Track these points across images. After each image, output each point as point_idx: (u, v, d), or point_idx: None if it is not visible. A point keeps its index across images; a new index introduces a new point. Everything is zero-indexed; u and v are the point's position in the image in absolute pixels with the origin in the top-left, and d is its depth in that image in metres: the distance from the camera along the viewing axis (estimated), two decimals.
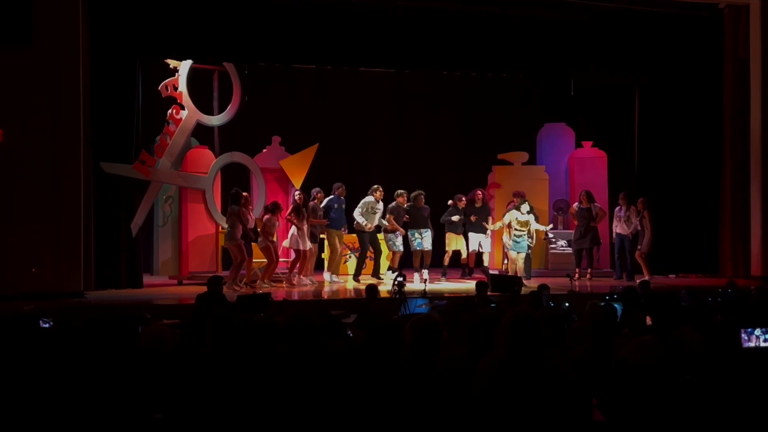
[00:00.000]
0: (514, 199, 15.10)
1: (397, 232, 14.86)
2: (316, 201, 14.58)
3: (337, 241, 14.92)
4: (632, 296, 10.02)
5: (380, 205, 14.95)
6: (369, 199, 14.89)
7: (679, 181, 16.00)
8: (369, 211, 14.83)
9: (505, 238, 14.75)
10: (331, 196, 14.88)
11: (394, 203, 14.96)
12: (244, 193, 13.99)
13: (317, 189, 14.74)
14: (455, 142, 18.65)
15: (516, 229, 14.40)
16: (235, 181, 15.61)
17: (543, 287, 10.47)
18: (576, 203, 15.75)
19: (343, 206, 15.00)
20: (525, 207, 14.50)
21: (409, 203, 15.05)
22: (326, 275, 14.94)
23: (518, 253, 14.43)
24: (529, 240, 14.55)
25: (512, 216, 14.51)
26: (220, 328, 5.71)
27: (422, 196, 15.08)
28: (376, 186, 15.01)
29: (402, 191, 15.03)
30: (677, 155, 16.05)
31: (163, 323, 7.23)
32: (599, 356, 5.49)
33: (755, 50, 15.45)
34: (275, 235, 14.12)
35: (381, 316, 8.73)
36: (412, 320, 4.79)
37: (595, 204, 15.47)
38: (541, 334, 4.33)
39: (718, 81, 15.98)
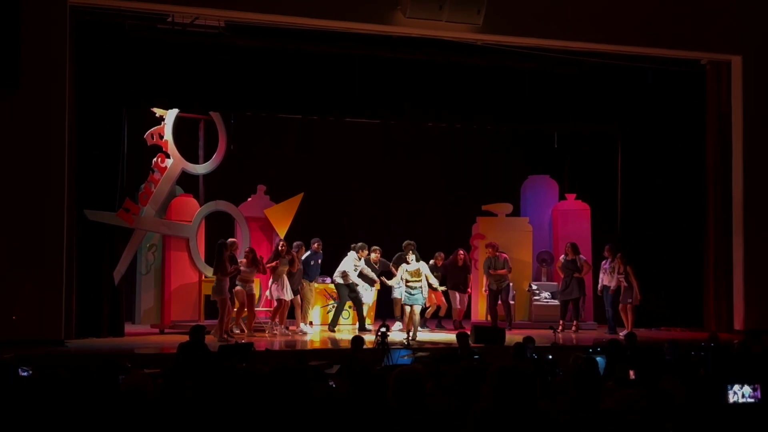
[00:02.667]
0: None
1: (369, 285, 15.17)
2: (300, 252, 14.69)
3: (308, 292, 15.06)
4: (616, 349, 10.01)
5: (361, 262, 15.08)
6: (352, 254, 15.08)
7: (663, 233, 16.07)
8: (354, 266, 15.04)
9: (399, 292, 14.46)
10: (309, 252, 15.04)
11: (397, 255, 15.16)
12: (231, 239, 14.11)
13: (301, 243, 14.93)
14: (440, 193, 18.71)
15: (408, 281, 13.91)
16: (220, 229, 15.59)
17: (528, 339, 10.43)
18: (562, 256, 15.79)
19: (320, 261, 15.22)
20: (411, 256, 14.07)
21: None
22: (302, 325, 14.88)
23: (413, 305, 13.85)
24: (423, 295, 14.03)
25: (402, 269, 14.10)
26: (202, 377, 5.67)
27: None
28: (361, 244, 15.17)
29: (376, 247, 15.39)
30: (660, 208, 16.16)
31: (143, 372, 7.16)
32: (584, 408, 5.48)
33: (737, 106, 15.63)
34: (253, 282, 14.12)
35: (365, 367, 8.68)
36: (396, 371, 4.77)
37: (580, 256, 15.51)
38: (528, 385, 4.31)
39: (701, 135, 16.13)
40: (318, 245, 15.16)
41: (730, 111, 15.74)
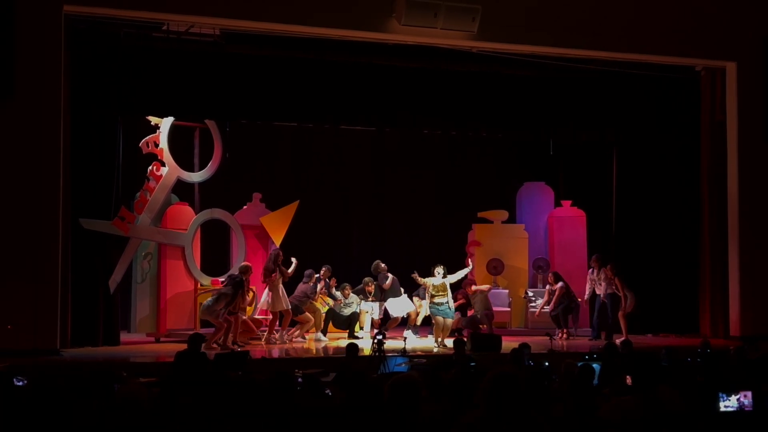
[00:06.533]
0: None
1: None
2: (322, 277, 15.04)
3: (315, 304, 15.10)
4: (611, 356, 9.99)
5: (353, 297, 15.38)
6: (338, 295, 15.28)
7: (658, 239, 16.07)
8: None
9: (426, 304, 14.58)
10: (318, 276, 15.10)
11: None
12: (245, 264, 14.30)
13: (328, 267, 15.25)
14: (436, 200, 18.71)
15: (432, 294, 14.11)
16: (215, 238, 15.57)
17: (524, 346, 10.42)
18: (547, 285, 15.74)
19: (321, 283, 15.27)
20: (438, 270, 14.22)
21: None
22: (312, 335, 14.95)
23: (444, 318, 14.07)
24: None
25: (429, 282, 14.23)
26: (200, 385, 5.65)
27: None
28: (344, 284, 15.42)
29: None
30: (656, 214, 16.15)
31: (139, 382, 7.14)
32: (580, 416, 5.47)
33: (731, 113, 15.62)
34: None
35: (361, 374, 8.66)
36: (392, 379, 4.76)
37: (561, 284, 15.42)
38: (522, 393, 4.29)
39: (696, 141, 16.14)
40: (325, 271, 15.26)
41: (724, 117, 15.74)
